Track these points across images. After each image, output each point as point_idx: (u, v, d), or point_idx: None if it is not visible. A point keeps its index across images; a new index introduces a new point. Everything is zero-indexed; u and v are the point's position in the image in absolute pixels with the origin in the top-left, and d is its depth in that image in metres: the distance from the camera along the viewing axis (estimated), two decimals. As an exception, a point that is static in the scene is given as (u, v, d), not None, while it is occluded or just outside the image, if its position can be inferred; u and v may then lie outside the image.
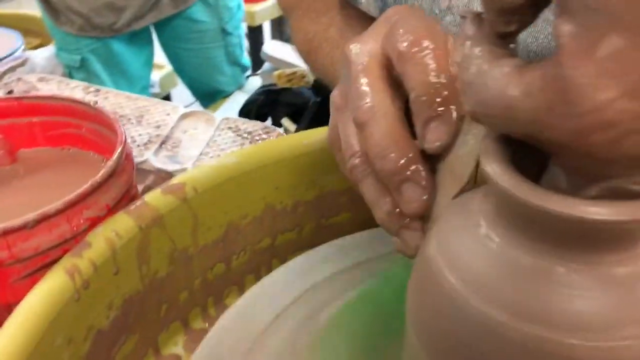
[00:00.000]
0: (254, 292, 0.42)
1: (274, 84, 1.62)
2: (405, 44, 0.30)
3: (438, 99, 0.29)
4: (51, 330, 0.32)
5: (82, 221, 0.37)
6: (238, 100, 1.77)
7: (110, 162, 0.39)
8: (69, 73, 1.55)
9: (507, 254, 0.23)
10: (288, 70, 1.60)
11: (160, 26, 1.62)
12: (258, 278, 0.47)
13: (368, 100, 0.31)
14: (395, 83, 0.32)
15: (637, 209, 0.21)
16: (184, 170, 0.51)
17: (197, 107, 2.01)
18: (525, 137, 0.21)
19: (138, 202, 0.39)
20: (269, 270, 0.48)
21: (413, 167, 0.30)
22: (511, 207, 0.23)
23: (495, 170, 0.22)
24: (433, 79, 0.29)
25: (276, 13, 2.33)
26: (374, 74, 0.32)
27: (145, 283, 0.40)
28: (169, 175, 0.53)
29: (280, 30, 2.55)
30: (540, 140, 0.21)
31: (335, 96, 0.35)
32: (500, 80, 0.21)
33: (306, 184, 0.47)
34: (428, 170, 0.30)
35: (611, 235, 0.22)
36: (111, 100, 0.63)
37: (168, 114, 0.61)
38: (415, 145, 0.31)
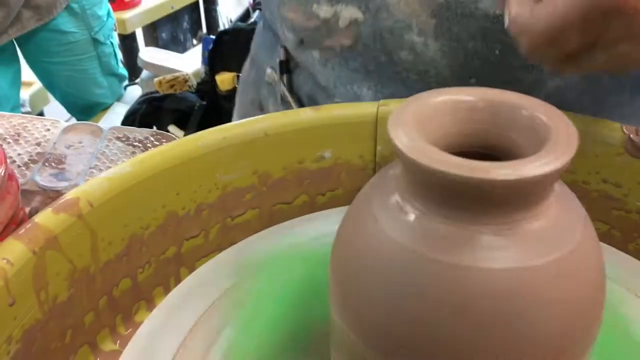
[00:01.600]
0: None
1: (156, 91, 1.57)
2: None
3: None
4: (-56, 376, 0.29)
5: (-34, 252, 0.34)
6: (118, 111, 1.71)
7: (-9, 185, 0.35)
8: None
9: (424, 224, 0.23)
10: (169, 76, 1.56)
11: (24, 41, 1.52)
12: (167, 290, 0.45)
13: None
14: None
15: (535, 167, 0.21)
16: (74, 187, 0.47)
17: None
18: None
19: (28, 225, 0.36)
20: (178, 280, 0.46)
21: None
22: (424, 177, 0.23)
23: (404, 142, 0.22)
24: None
25: (148, 19, 2.26)
26: None
27: (45, 310, 0.37)
28: (58, 194, 0.49)
29: (154, 36, 2.47)
30: None
31: None
32: None
33: (208, 186, 0.46)
34: None
35: (519, 194, 0.22)
36: (-19, 120, 0.58)
37: (48, 129, 0.58)
38: None
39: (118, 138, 0.57)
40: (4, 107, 1.51)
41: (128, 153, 0.56)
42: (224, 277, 0.41)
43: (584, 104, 0.52)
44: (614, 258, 0.42)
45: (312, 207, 0.50)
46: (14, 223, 0.38)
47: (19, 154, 0.54)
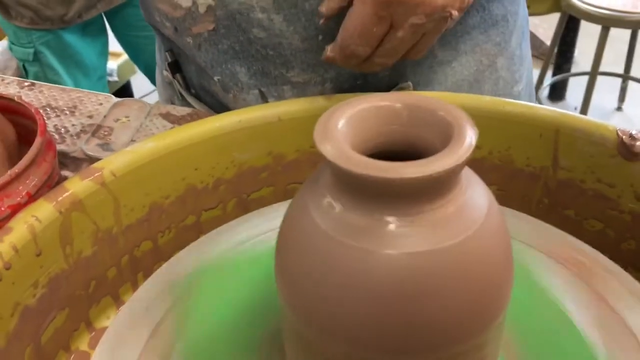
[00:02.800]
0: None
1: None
2: None
3: None
4: (-25, 308, 0.36)
5: (3, 209, 0.40)
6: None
7: (29, 153, 0.42)
8: (23, 67, 1.55)
9: (345, 217, 0.27)
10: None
11: (112, 15, 1.62)
12: (185, 253, 0.50)
13: None
14: None
15: (438, 164, 0.24)
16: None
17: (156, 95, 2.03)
18: None
19: (57, 189, 0.42)
20: (196, 245, 0.51)
21: None
22: (345, 178, 0.26)
23: (328, 149, 0.26)
24: None
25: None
26: None
27: (70, 262, 0.43)
28: (101, 162, 0.55)
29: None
30: None
31: None
32: None
33: (225, 163, 0.51)
34: None
35: (425, 188, 0.25)
36: (45, 93, 0.66)
37: (101, 104, 0.64)
38: None
39: (160, 114, 0.63)
40: (91, 77, 1.63)
41: (167, 128, 0.62)
42: (163, 298, 0.42)
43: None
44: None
45: (324, 188, 0.54)
46: (48, 186, 0.44)
47: (73, 125, 0.61)
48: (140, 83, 2.23)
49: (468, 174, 0.28)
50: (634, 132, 0.44)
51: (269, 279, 0.33)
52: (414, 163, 0.25)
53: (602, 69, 2.13)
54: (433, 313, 0.27)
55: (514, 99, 0.57)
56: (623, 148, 0.44)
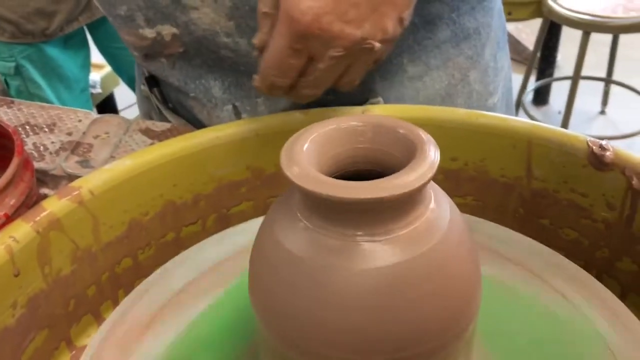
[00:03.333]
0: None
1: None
2: None
3: None
4: (-49, 330, 0.36)
5: (-21, 230, 0.40)
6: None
7: (6, 174, 0.42)
8: (5, 81, 1.55)
9: (316, 237, 0.27)
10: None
11: (93, 27, 1.63)
12: (165, 269, 0.51)
13: None
14: None
15: (399, 185, 0.25)
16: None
17: (140, 105, 2.02)
18: None
19: (35, 208, 0.42)
20: (176, 261, 0.51)
21: None
22: (313, 200, 0.27)
23: (294, 172, 0.26)
24: None
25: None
26: None
27: (49, 282, 0.43)
28: (80, 179, 0.55)
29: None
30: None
31: None
32: None
33: (204, 179, 0.51)
34: None
35: (388, 207, 0.26)
36: (24, 111, 0.66)
37: (80, 120, 0.64)
38: None
39: (140, 130, 0.63)
40: (73, 90, 1.63)
41: (147, 144, 0.62)
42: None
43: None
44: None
45: (304, 201, 0.55)
46: (27, 206, 0.44)
47: (52, 142, 0.61)
48: (123, 94, 2.23)
49: (432, 187, 0.28)
50: (603, 143, 0.45)
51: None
52: (377, 183, 0.25)
53: (584, 73, 2.16)
54: (404, 323, 0.27)
55: (489, 111, 0.57)
56: (593, 158, 0.45)
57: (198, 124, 0.65)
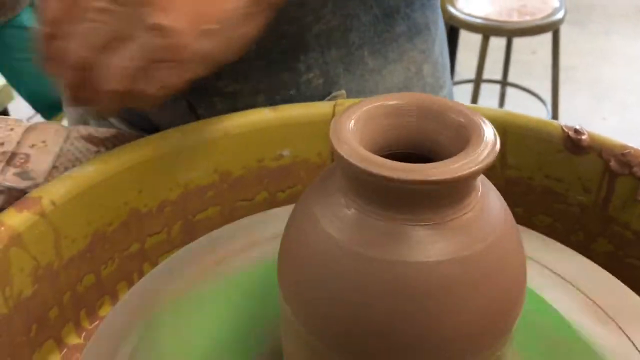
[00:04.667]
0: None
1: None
2: None
3: None
4: None
5: None
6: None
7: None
8: None
9: (361, 223, 0.25)
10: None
11: (-12, 37, 1.50)
12: (130, 284, 0.47)
13: None
14: None
15: (459, 167, 0.23)
16: (37, 185, 0.49)
17: (39, 119, 1.90)
18: None
19: (-8, 223, 0.37)
20: (141, 275, 0.47)
21: None
22: (360, 179, 0.25)
23: (345, 149, 0.24)
24: None
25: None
26: None
27: (10, 306, 0.38)
28: (22, 193, 0.50)
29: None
30: None
31: None
32: None
33: (169, 184, 0.48)
34: None
35: (447, 192, 0.24)
36: (-56, 121, 0.59)
37: (12, 129, 0.58)
38: None
39: (82, 137, 0.58)
40: (-33, 105, 1.50)
41: (93, 152, 0.57)
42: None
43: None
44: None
45: (272, 203, 0.52)
46: (-24, 223, 0.39)
47: (-17, 154, 0.55)
48: (19, 110, 2.08)
49: (482, 179, 0.27)
50: (577, 127, 0.46)
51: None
52: (437, 165, 0.24)
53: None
54: (459, 322, 0.26)
55: None
56: (569, 143, 0.46)
57: (147, 125, 0.61)
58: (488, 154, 0.24)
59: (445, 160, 0.24)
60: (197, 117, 0.59)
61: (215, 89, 0.57)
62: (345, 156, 0.24)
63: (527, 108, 2.61)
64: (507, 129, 0.48)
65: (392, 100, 0.27)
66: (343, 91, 0.60)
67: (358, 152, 0.24)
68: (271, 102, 0.59)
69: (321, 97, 0.60)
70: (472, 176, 0.24)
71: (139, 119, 0.61)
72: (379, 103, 0.26)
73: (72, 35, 0.37)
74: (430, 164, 0.24)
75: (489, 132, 0.25)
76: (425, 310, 0.25)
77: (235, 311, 0.38)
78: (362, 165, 0.23)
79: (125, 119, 0.62)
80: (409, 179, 0.23)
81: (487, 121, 0.25)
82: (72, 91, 0.39)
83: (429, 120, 0.26)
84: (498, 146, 0.25)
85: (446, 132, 0.26)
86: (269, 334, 0.36)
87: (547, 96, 2.29)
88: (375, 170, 0.23)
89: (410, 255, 0.24)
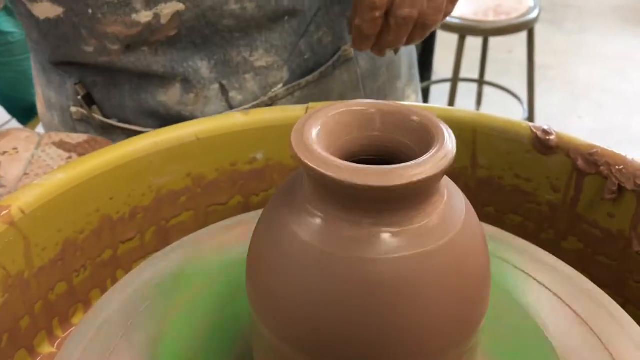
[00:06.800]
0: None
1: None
2: None
3: None
4: None
5: None
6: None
7: None
8: None
9: (329, 227, 0.26)
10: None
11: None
12: (104, 291, 0.46)
13: None
14: None
15: (419, 172, 0.24)
16: (9, 193, 0.48)
17: (14, 124, 1.88)
18: None
19: (-41, 233, 0.37)
20: (115, 281, 0.47)
21: None
22: (325, 184, 0.25)
23: (308, 156, 0.25)
24: None
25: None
26: None
27: (-21, 316, 0.38)
28: (-8, 200, 0.50)
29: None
30: None
31: None
32: None
33: (141, 190, 0.47)
34: None
35: (409, 195, 0.25)
36: None
37: (-19, 137, 0.58)
38: None
39: (54, 143, 0.58)
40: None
41: (64, 158, 0.57)
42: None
43: None
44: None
45: (246, 207, 0.52)
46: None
47: (-48, 162, 0.54)
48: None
49: (446, 180, 0.28)
50: (545, 127, 0.47)
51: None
52: (397, 169, 0.24)
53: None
54: (427, 316, 0.26)
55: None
56: (538, 143, 0.46)
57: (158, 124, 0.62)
58: (443, 161, 0.24)
59: (403, 165, 0.24)
60: (229, 106, 0.64)
61: (247, 65, 0.62)
62: (308, 162, 0.24)
63: (504, 106, 2.64)
64: (477, 130, 0.48)
65: (356, 106, 0.27)
66: (351, 49, 0.67)
67: (319, 157, 0.24)
68: (292, 74, 0.65)
69: (332, 56, 0.67)
70: (429, 181, 0.24)
71: (163, 119, 0.63)
72: (343, 109, 0.27)
73: None
74: (389, 167, 0.24)
75: (449, 137, 0.25)
76: (392, 307, 0.25)
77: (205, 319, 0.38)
78: (323, 170, 0.24)
79: (140, 124, 0.64)
80: (370, 185, 0.23)
81: (447, 127, 0.26)
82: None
83: (393, 124, 0.27)
84: (454, 151, 0.25)
85: (410, 135, 0.26)
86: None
87: (524, 95, 2.31)
88: (336, 175, 0.23)
89: (373, 252, 0.25)
